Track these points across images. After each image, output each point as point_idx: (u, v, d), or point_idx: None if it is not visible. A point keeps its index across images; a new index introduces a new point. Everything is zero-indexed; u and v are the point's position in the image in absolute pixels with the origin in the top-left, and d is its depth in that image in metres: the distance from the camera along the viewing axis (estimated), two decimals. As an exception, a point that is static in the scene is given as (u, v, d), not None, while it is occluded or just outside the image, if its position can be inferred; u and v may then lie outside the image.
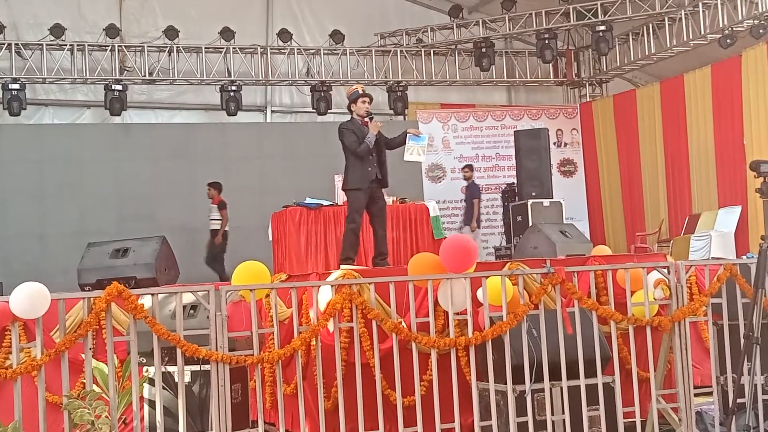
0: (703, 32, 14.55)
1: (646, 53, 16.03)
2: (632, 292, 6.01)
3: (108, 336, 4.89)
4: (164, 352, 5.09)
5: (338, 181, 10.53)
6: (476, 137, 16.98)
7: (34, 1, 15.28)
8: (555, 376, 5.53)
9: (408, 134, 8.49)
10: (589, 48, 17.19)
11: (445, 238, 7.97)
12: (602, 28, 15.74)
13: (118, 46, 15.27)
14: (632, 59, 16.47)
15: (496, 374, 5.54)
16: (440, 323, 5.94)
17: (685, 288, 5.97)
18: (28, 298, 4.66)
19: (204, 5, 16.11)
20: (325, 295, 5.58)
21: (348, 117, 8.63)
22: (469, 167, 15.28)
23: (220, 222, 13.34)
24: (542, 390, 5.53)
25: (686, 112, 14.97)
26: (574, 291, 5.65)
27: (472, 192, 14.92)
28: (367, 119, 8.42)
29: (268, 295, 6.02)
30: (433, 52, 16.98)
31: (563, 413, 5.54)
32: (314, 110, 16.23)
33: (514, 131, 14.47)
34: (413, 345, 5.49)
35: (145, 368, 5.31)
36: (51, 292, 4.75)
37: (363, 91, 8.61)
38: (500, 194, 15.56)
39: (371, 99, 8.66)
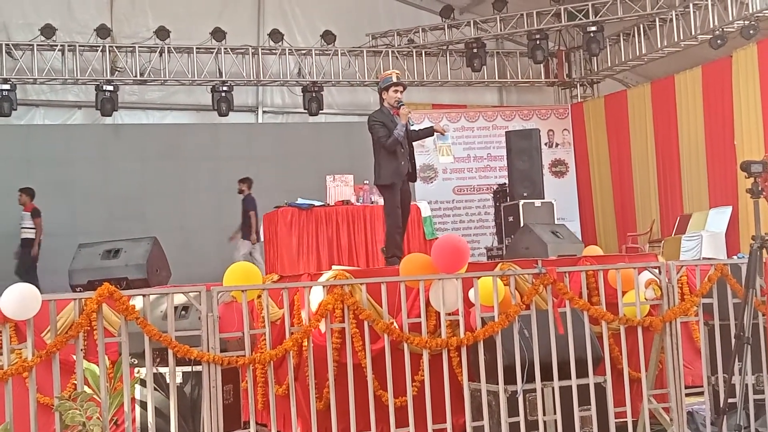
0: (693, 33, 14.59)
1: (637, 54, 16.05)
2: (623, 293, 6.01)
3: (99, 337, 4.88)
4: (156, 353, 5.08)
5: (330, 181, 10.52)
6: (468, 138, 16.98)
7: (25, 1, 15.23)
8: (546, 376, 5.53)
9: (436, 134, 8.34)
10: (580, 48, 17.22)
11: (437, 238, 7.96)
12: (593, 28, 15.78)
13: (109, 46, 15.23)
14: (623, 60, 16.51)
15: (487, 374, 5.54)
16: (432, 324, 5.92)
17: (676, 288, 5.97)
18: (19, 299, 4.64)
19: (195, 6, 16.08)
20: (316, 296, 5.57)
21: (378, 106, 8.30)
22: (245, 180, 13.92)
23: (33, 231, 12.91)
24: (534, 390, 5.53)
25: (677, 112, 14.99)
26: (566, 291, 5.65)
27: (247, 205, 13.76)
28: (396, 108, 8.01)
29: (259, 296, 6.00)
30: (425, 52, 16.98)
31: (555, 413, 5.54)
32: (306, 111, 16.23)
33: (506, 132, 14.47)
34: (405, 345, 5.48)
35: (136, 369, 5.30)
36: (42, 293, 4.74)
37: (398, 78, 8.17)
38: (492, 195, 15.55)
39: (405, 88, 8.19)
